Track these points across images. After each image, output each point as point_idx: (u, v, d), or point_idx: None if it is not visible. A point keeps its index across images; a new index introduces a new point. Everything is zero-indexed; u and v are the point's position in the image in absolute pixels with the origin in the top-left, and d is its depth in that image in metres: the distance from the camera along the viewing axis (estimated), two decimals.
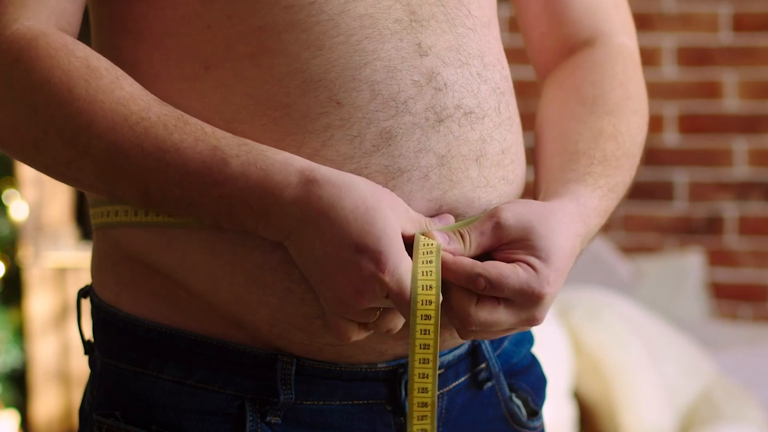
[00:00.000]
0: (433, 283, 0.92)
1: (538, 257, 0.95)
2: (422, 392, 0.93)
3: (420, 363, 0.92)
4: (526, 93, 1.95)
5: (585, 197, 1.03)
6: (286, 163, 0.92)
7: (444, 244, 0.95)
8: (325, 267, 0.92)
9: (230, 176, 0.92)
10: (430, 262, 0.93)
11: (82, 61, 0.94)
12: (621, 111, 1.10)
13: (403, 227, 0.94)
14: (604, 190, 1.05)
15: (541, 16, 1.17)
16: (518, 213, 0.97)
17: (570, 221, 1.00)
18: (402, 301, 0.91)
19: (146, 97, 0.95)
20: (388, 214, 0.92)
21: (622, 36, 1.16)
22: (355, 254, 0.91)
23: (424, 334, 0.92)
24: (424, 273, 0.93)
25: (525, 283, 0.94)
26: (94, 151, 0.94)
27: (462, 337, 0.97)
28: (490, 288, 0.94)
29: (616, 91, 1.11)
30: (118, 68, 0.96)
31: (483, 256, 0.97)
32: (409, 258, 0.92)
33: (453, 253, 0.95)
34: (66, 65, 0.94)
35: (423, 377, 0.93)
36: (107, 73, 0.95)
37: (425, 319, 0.92)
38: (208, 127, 0.94)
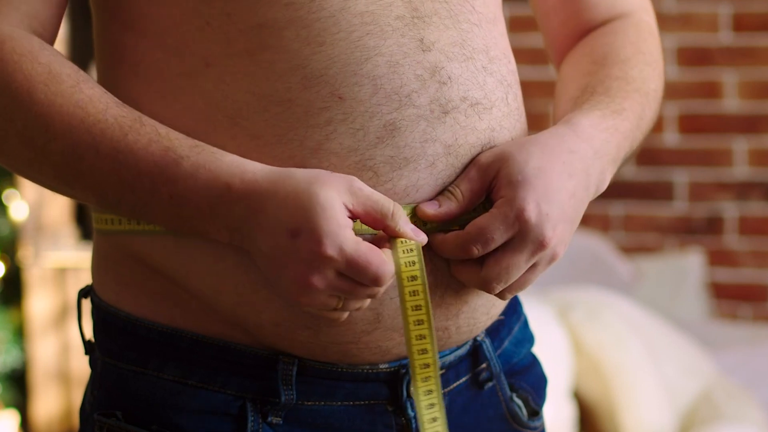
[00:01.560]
0: (416, 259, 0.93)
1: (512, 182, 0.96)
2: (423, 354, 0.94)
3: (417, 339, 0.94)
4: (528, 93, 1.95)
5: (578, 116, 1.03)
6: (233, 165, 0.93)
7: (433, 210, 0.96)
8: (272, 261, 0.92)
9: (180, 176, 0.93)
10: (411, 251, 0.94)
11: (44, 66, 0.96)
12: (632, 61, 1.10)
13: (352, 205, 0.92)
14: (605, 111, 1.04)
15: (559, 6, 1.17)
16: (495, 149, 0.99)
17: (558, 141, 0.99)
18: (355, 269, 0.91)
19: (105, 99, 0.96)
20: (319, 192, 0.91)
21: (640, 14, 1.18)
22: (291, 239, 0.91)
23: (417, 310, 0.94)
24: (406, 251, 0.93)
25: (503, 217, 0.95)
26: (52, 153, 0.95)
27: (502, 298, 1.00)
28: (483, 246, 0.95)
29: (627, 48, 1.12)
30: (82, 73, 0.97)
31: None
32: (351, 229, 0.91)
33: (448, 215, 0.96)
34: (28, 70, 0.95)
35: (421, 345, 0.94)
36: (68, 78, 0.96)
37: (413, 296, 0.93)
38: (162, 129, 0.95)
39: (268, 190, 0.92)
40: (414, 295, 0.93)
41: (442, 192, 0.98)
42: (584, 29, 1.17)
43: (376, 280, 0.92)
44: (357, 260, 0.91)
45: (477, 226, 0.96)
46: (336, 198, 0.91)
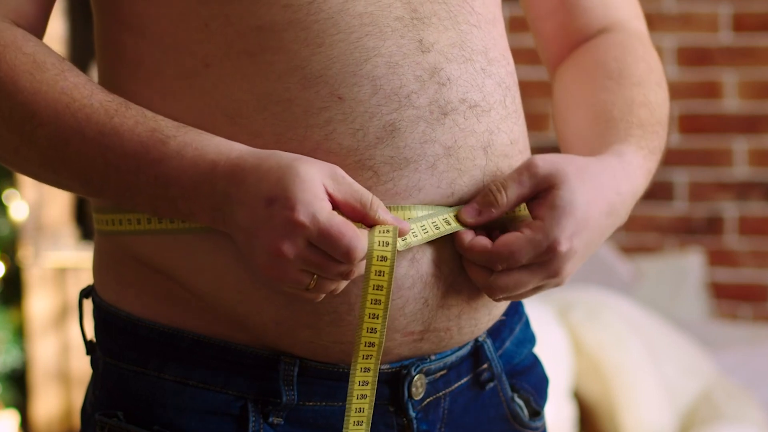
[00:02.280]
0: (390, 240, 0.93)
1: (557, 206, 0.96)
2: (371, 332, 0.94)
3: (371, 306, 0.94)
4: (527, 93, 1.95)
5: (630, 155, 1.05)
6: (221, 144, 0.94)
7: (471, 218, 0.97)
8: (247, 233, 0.92)
9: (166, 155, 0.93)
10: (387, 232, 0.93)
11: (28, 56, 0.97)
12: (647, 83, 1.12)
13: (333, 190, 0.92)
14: (645, 152, 1.07)
15: (554, 10, 1.18)
16: (553, 160, 0.98)
17: (611, 179, 1.01)
18: (327, 240, 0.90)
19: (90, 86, 0.97)
20: (300, 166, 0.91)
21: (634, 22, 1.19)
22: (267, 207, 0.91)
23: (377, 290, 0.93)
24: (382, 231, 0.93)
25: (537, 244, 0.96)
26: (38, 140, 0.96)
27: (497, 301, 1.01)
28: (509, 266, 0.96)
29: (639, 65, 1.13)
30: (67, 62, 0.98)
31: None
32: (327, 202, 0.91)
33: (488, 221, 0.97)
34: (12, 60, 0.96)
35: (372, 324, 0.94)
36: (53, 67, 0.97)
37: (378, 275, 0.93)
38: (149, 112, 0.96)
39: (252, 165, 0.92)
40: (379, 275, 0.93)
41: (484, 191, 0.98)
42: (580, 35, 1.17)
43: (347, 254, 0.91)
44: (330, 230, 0.90)
45: (509, 249, 0.96)
46: (317, 175, 0.91)
